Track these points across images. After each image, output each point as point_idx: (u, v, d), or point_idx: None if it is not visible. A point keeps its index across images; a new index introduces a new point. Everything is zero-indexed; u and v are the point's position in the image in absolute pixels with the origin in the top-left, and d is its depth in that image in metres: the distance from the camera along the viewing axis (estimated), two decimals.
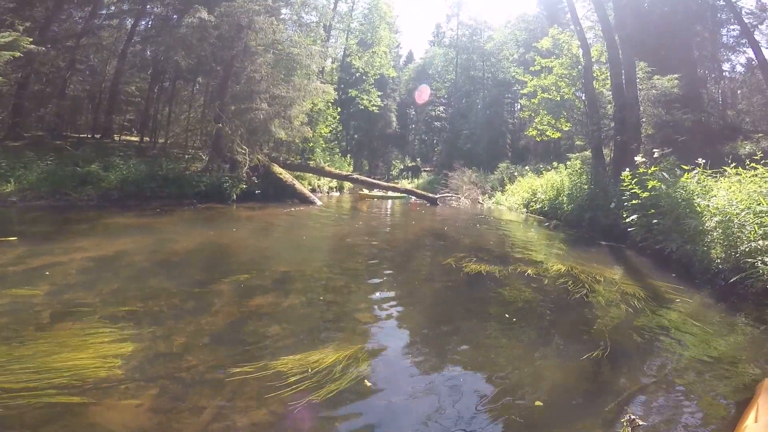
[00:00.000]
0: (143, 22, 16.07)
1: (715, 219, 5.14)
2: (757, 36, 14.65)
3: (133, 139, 15.87)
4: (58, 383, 2.05)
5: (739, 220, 4.79)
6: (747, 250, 4.43)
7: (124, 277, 3.89)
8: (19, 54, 9.93)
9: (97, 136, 14.64)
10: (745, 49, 15.12)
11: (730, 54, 16.26)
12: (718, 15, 15.57)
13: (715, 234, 5.09)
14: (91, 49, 15.22)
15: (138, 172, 10.22)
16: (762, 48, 14.01)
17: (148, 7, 15.38)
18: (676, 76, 12.29)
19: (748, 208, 4.79)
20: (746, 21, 14.38)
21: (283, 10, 14.01)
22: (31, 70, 12.69)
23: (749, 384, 2.38)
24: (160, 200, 9.88)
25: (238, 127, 11.65)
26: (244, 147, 11.77)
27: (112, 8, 15.13)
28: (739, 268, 4.44)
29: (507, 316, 3.48)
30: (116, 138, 15.17)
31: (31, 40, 10.35)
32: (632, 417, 1.86)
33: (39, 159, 9.77)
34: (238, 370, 2.25)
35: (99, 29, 15.09)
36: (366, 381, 2.24)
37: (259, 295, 3.57)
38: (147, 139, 15.48)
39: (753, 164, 5.38)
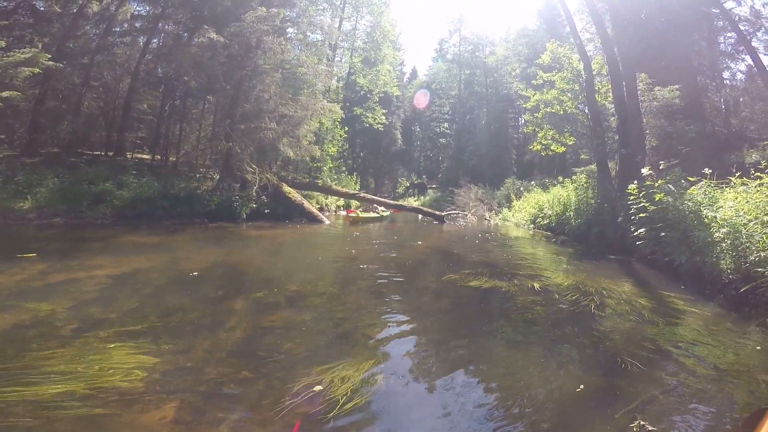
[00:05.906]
0: (155, 40, 16.43)
1: (723, 230, 5.14)
2: (755, 43, 14.58)
3: (145, 156, 16.13)
4: (82, 395, 2.12)
5: (748, 231, 4.79)
6: (756, 260, 4.42)
7: (141, 293, 3.99)
8: (38, 70, 10.15)
9: (111, 153, 14.90)
10: (743, 56, 15.08)
11: (729, 62, 16.12)
12: (715, 23, 15.51)
13: (723, 245, 5.08)
14: (106, 66, 15.42)
15: (150, 191, 10.40)
16: (760, 54, 14.00)
17: (160, 24, 15.73)
18: (676, 86, 12.27)
19: (756, 218, 4.79)
20: (742, 28, 14.40)
21: (290, 30, 14.27)
22: (48, 87, 12.89)
23: (762, 393, 2.38)
24: (172, 219, 10.07)
25: (248, 146, 11.83)
26: (254, 166, 11.96)
27: (126, 26, 15.37)
28: (750, 277, 4.42)
29: (516, 330, 3.50)
30: (129, 156, 15.41)
31: (49, 56, 10.55)
32: (642, 423, 1.88)
33: (55, 176, 9.96)
34: (256, 384, 2.32)
35: (113, 46, 15.39)
36: (378, 395, 2.28)
37: (272, 312, 3.63)
38: (158, 157, 15.71)
39: (758, 174, 5.38)
